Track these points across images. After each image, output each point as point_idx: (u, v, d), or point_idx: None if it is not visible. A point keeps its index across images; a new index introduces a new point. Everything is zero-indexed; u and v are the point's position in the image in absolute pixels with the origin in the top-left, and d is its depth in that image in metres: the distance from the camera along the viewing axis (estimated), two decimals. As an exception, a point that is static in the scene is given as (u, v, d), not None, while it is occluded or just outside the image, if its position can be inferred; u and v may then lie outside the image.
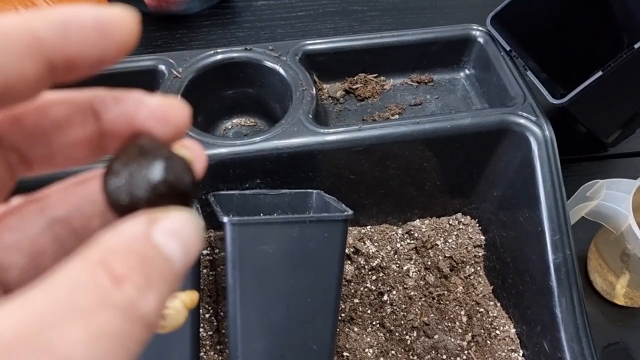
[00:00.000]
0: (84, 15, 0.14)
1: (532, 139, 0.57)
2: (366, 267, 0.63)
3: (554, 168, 0.56)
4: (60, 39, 0.14)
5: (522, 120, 0.57)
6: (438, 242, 0.65)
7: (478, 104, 0.65)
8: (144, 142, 0.15)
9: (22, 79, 0.13)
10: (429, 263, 0.64)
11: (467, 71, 0.68)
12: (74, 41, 0.14)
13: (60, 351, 0.11)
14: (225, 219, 0.45)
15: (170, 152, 0.15)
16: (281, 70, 0.61)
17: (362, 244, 0.64)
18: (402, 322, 0.61)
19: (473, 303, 0.63)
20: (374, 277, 0.63)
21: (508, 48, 0.63)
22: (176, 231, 0.14)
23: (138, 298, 0.12)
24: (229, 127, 0.66)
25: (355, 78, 0.66)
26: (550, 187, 0.56)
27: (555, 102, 0.60)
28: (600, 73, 0.56)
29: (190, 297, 0.22)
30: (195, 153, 0.17)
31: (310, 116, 0.56)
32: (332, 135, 0.55)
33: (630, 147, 0.77)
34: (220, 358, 0.57)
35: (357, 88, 0.65)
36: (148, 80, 0.61)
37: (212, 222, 0.58)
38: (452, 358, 0.60)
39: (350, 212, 0.48)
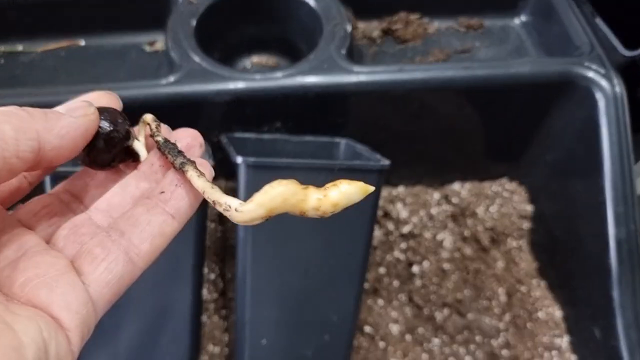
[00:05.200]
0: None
1: (599, 95, 0.49)
2: (395, 233, 0.56)
3: (623, 129, 0.48)
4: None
5: (588, 73, 0.49)
6: (478, 210, 0.57)
7: (534, 55, 0.57)
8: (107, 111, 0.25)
9: None
10: (467, 233, 0.57)
11: (523, 17, 0.59)
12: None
13: None
14: (239, 159, 0.38)
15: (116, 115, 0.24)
16: (310, 1, 0.53)
17: (392, 206, 0.57)
18: (433, 297, 0.54)
19: (514, 280, 0.56)
20: (403, 246, 0.56)
21: (575, -10, 0.54)
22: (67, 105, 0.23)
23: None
24: (248, 66, 0.58)
25: (395, 18, 0.58)
26: (617, 152, 0.48)
27: (628, 53, 0.52)
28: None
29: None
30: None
31: (343, 52, 0.49)
32: (368, 75, 0.47)
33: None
34: (225, 324, 0.51)
35: (396, 29, 0.57)
36: (158, 6, 0.54)
37: (224, 170, 0.51)
38: (486, 340, 0.53)
39: (387, 162, 0.41)
